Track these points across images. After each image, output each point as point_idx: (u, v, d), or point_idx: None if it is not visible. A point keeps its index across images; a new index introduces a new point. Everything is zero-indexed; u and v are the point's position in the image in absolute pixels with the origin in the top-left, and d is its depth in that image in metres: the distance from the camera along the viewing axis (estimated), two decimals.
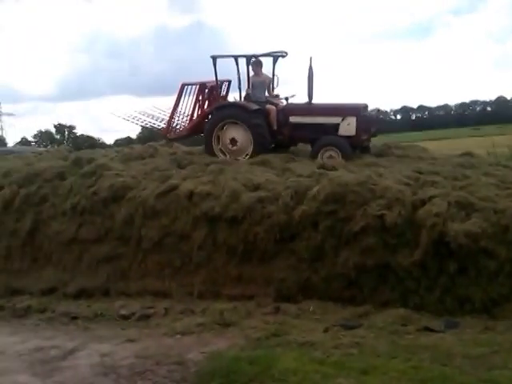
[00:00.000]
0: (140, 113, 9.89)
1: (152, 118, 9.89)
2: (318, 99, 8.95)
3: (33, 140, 49.04)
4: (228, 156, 8.79)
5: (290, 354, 4.56)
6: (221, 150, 8.88)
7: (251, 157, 8.51)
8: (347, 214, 6.20)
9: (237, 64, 8.92)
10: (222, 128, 8.80)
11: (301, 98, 9.08)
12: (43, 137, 50.89)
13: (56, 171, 8.11)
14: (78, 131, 50.99)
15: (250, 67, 8.89)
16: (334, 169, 7.37)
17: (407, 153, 9.52)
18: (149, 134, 22.46)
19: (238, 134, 8.71)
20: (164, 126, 9.67)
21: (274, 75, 9.21)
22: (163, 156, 9.01)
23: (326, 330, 5.32)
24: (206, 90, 9.48)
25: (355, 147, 8.60)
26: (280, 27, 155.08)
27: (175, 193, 7.03)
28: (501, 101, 69.67)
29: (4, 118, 51.78)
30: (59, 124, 51.73)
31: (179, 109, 9.50)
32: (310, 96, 8.71)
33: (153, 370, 4.62)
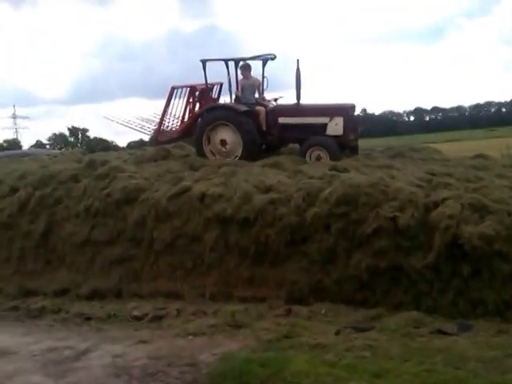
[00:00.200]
0: (132, 116, 10.10)
1: (144, 121, 10.08)
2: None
3: (47, 143, 49.58)
4: (218, 157, 8.90)
5: (302, 357, 4.55)
6: (211, 151, 8.97)
7: (240, 158, 8.63)
8: (359, 216, 6.17)
9: (227, 67, 9.09)
10: (213, 130, 8.89)
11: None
12: (57, 139, 51.44)
13: (70, 173, 8.21)
14: (92, 134, 51.48)
15: (239, 70, 9.04)
16: (346, 170, 7.35)
17: (420, 155, 9.47)
18: None
19: (227, 135, 8.81)
20: (154, 128, 9.80)
21: (263, 78, 9.32)
22: (176, 158, 9.07)
23: (337, 333, 5.30)
24: (197, 93, 9.63)
25: (343, 147, 8.69)
26: (292, 30, 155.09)
27: (187, 195, 7.07)
28: None
29: (19, 121, 52.53)
30: (73, 127, 52.30)
31: (169, 111, 9.62)
32: (298, 97, 8.86)
33: (165, 371, 4.65)
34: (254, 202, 6.62)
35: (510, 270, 5.50)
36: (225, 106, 9.15)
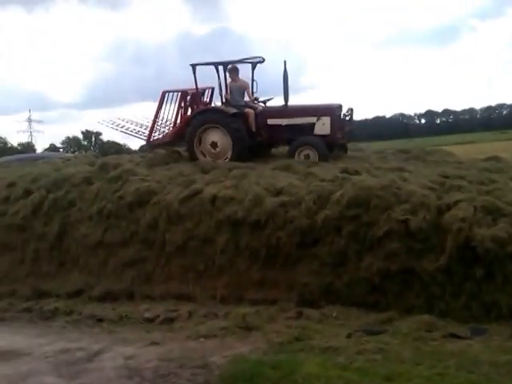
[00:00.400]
0: (123, 120, 10.24)
1: (136, 126, 10.22)
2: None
3: (61, 146, 50.10)
4: (208, 159, 9.07)
5: (313, 359, 4.54)
6: (202, 152, 9.14)
7: (231, 159, 8.75)
8: (371, 218, 6.15)
9: (217, 71, 9.26)
10: (204, 132, 9.06)
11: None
12: (71, 143, 51.98)
13: (83, 176, 8.30)
14: (105, 137, 51.88)
15: (228, 73, 9.24)
16: (357, 173, 7.33)
17: (432, 157, 9.42)
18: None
19: (218, 137, 8.99)
20: (146, 132, 9.94)
21: (253, 81, 9.54)
22: (187, 161, 9.12)
23: (349, 336, 5.27)
24: (188, 97, 9.79)
25: (331, 145, 8.90)
26: (303, 32, 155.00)
27: (199, 197, 7.10)
28: None
29: (34, 124, 53.13)
30: (86, 130, 52.78)
31: (161, 115, 9.80)
32: (286, 98, 9.06)
33: (176, 372, 4.67)
34: (265, 204, 6.63)
35: None
36: (214, 109, 9.39)
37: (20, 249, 7.97)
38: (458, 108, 74.70)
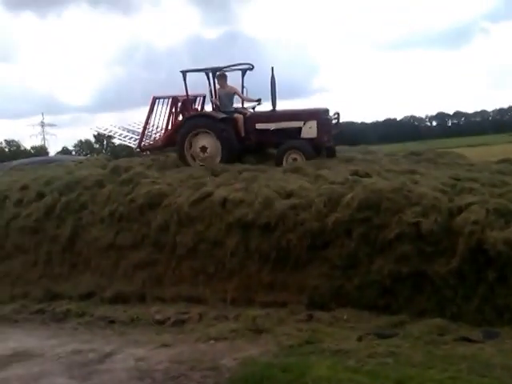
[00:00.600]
0: (115, 126, 10.64)
1: (127, 132, 10.42)
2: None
3: (73, 149, 50.51)
4: (198, 163, 9.25)
5: (324, 362, 4.52)
6: (192, 157, 9.32)
7: (220, 163, 8.91)
8: (382, 221, 6.12)
9: (208, 78, 9.47)
10: (194, 137, 9.25)
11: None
12: (83, 146, 52.34)
13: (95, 179, 8.37)
14: (116, 140, 52.16)
15: (216, 80, 9.48)
16: (367, 175, 7.31)
17: (444, 159, 9.35)
18: None
19: (207, 142, 9.18)
20: (138, 138, 10.23)
21: (243, 87, 9.75)
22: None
23: (360, 339, 5.25)
24: (179, 104, 10.03)
25: (318, 148, 9.09)
26: (314, 35, 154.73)
27: (209, 200, 7.13)
28: None
29: (46, 128, 53.66)
30: (98, 134, 53.09)
31: (151, 121, 10.03)
32: (274, 103, 9.34)
33: (187, 374, 4.68)
34: (275, 207, 6.63)
35: None
36: (204, 115, 9.68)
37: (33, 251, 8.06)
38: (470, 110, 74.00)
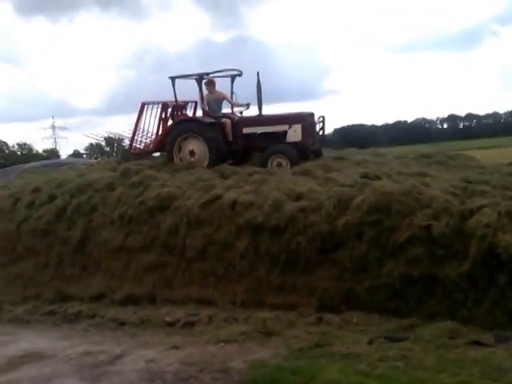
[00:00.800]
0: (106, 132, 10.87)
1: (118, 137, 10.62)
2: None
3: (84, 152, 50.83)
4: (187, 166, 9.29)
5: (334, 366, 4.51)
6: (181, 160, 9.48)
7: (208, 167, 9.02)
8: (392, 224, 6.09)
9: (198, 83, 9.63)
10: (183, 141, 9.43)
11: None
12: (94, 149, 52.66)
13: (105, 182, 8.43)
14: (127, 144, 52.33)
15: (205, 86, 9.65)
16: (377, 178, 7.28)
17: (455, 162, 9.29)
18: None
19: (195, 146, 9.35)
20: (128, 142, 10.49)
21: (232, 93, 9.99)
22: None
23: (370, 342, 5.22)
24: (170, 109, 10.23)
25: (303, 152, 9.20)
26: (323, 38, 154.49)
27: (219, 202, 7.14)
28: None
29: (58, 131, 54.09)
30: (109, 137, 53.39)
31: (140, 126, 10.26)
32: (260, 108, 9.55)
33: (197, 376, 4.70)
34: (285, 209, 6.63)
35: None
36: (193, 119, 9.92)
37: (44, 253, 8.12)
38: (482, 112, 73.26)
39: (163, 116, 10.25)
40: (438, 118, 70.34)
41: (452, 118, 69.98)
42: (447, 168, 8.82)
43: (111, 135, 11.02)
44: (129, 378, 4.80)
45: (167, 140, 9.66)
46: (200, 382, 4.59)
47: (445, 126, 70.33)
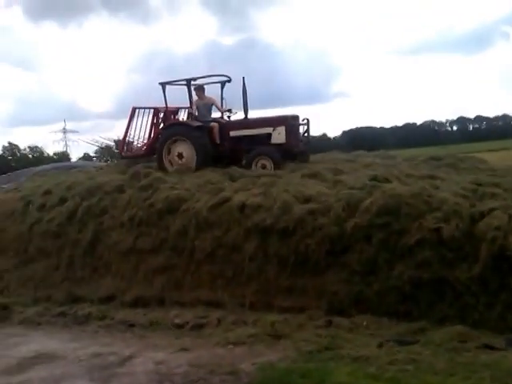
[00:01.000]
0: (101, 137, 11.17)
1: (109, 141, 10.92)
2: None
3: (94, 155, 51.18)
4: (175, 168, 9.54)
5: (344, 369, 4.50)
6: (170, 162, 9.70)
7: (196, 169, 9.23)
8: (401, 226, 6.06)
9: (187, 88, 9.94)
10: (173, 144, 9.67)
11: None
12: (104, 152, 53.00)
13: (115, 184, 8.49)
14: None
15: (194, 92, 9.98)
16: (387, 181, 7.26)
17: (465, 164, 9.23)
18: None
19: (184, 149, 9.60)
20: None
21: (222, 99, 10.24)
22: (215, 169, 9.23)
23: (380, 345, 5.19)
24: (161, 115, 10.50)
25: (288, 153, 9.44)
26: (333, 41, 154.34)
27: (227, 205, 7.16)
28: None
29: (68, 134, 54.51)
30: (119, 140, 53.62)
31: (131, 130, 10.55)
32: (246, 111, 9.88)
33: (206, 378, 4.70)
34: (294, 212, 6.63)
35: None
36: (181, 123, 10.17)
37: (55, 255, 8.19)
38: (491, 114, 72.78)
39: (155, 121, 10.57)
40: (447, 121, 70.08)
41: (461, 121, 69.61)
42: (457, 170, 8.78)
43: (108, 142, 11.39)
44: (138, 380, 4.82)
45: (157, 144, 9.94)
46: None
47: (454, 128, 70.00)
